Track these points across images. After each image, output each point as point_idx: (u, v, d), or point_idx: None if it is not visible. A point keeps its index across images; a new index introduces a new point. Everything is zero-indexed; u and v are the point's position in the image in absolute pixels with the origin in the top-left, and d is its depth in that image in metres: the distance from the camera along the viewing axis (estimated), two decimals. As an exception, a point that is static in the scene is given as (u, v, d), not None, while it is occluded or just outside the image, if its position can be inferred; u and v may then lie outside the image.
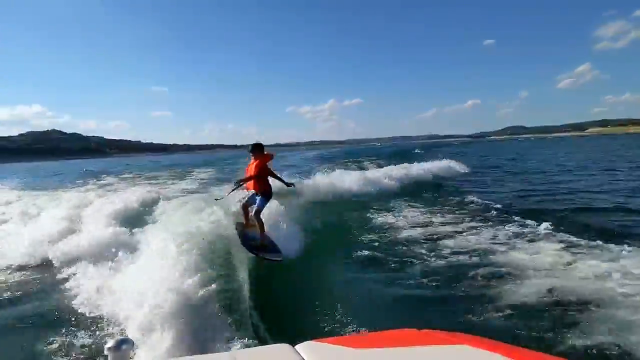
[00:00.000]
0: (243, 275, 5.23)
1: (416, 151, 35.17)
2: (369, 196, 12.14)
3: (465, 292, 5.07)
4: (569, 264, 5.78)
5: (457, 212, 10.25)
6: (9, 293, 6.01)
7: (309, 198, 9.63)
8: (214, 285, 4.48)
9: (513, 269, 5.65)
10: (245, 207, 6.33)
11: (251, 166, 6.13)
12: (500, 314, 4.36)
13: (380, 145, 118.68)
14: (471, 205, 11.03)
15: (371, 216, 10.09)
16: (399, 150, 40.07)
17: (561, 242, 6.95)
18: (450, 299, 4.93)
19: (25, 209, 11.70)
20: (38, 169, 51.58)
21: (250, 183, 6.15)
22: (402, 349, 1.28)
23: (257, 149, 6.12)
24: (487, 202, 11.17)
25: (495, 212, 9.74)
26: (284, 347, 1.29)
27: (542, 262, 5.85)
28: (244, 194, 6.54)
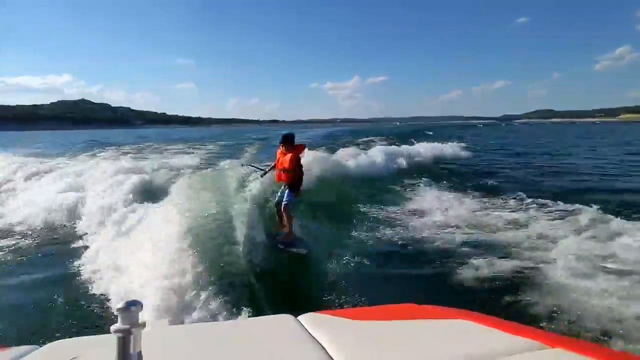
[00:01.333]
0: (244, 247, 5.26)
1: (428, 132, 34.53)
2: (369, 175, 12.26)
3: (462, 269, 5.16)
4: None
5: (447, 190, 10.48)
6: (20, 257, 6.21)
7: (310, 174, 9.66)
8: (214, 258, 4.55)
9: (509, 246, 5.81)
10: (280, 205, 6.01)
11: (284, 158, 5.82)
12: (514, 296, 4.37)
13: (399, 124, 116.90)
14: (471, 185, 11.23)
15: (371, 194, 10.15)
16: (410, 131, 39.32)
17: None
18: (448, 276, 5.01)
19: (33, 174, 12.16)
20: (67, 136, 53.30)
21: (281, 174, 5.89)
22: (403, 321, 1.29)
23: (289, 139, 5.87)
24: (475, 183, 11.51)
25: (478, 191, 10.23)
26: (287, 317, 1.31)
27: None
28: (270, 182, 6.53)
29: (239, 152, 19.47)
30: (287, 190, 5.84)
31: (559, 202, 8.37)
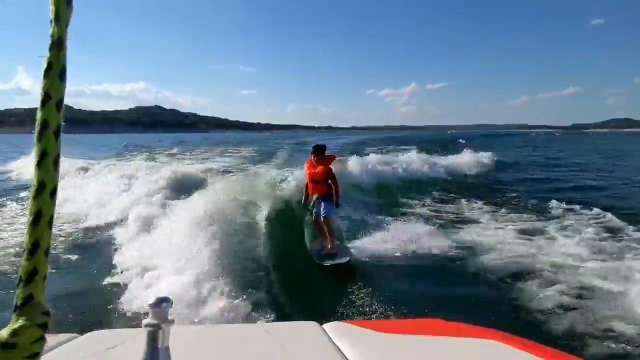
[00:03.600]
0: (269, 254, 5.26)
1: (460, 141, 32.24)
2: (403, 182, 12.04)
3: (504, 292, 4.76)
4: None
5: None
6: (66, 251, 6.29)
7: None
8: (235, 257, 4.58)
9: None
10: (317, 220, 5.85)
11: (316, 170, 5.73)
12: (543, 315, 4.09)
13: (451, 132, 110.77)
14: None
15: (405, 202, 9.82)
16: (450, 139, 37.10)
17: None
18: (481, 295, 4.71)
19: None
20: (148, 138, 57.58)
21: (314, 187, 5.79)
22: (429, 337, 1.28)
23: (320, 150, 5.79)
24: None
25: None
26: (313, 324, 1.32)
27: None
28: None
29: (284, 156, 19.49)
30: (323, 202, 5.71)
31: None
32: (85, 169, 13.54)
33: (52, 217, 0.35)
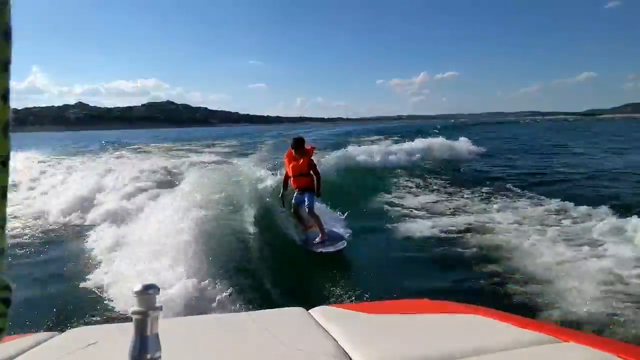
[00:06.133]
0: (252, 237, 5.29)
1: (435, 130, 28.98)
2: (375, 168, 12.57)
3: (483, 265, 4.97)
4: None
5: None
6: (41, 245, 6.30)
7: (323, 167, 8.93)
8: (225, 250, 4.58)
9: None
10: (296, 210, 5.98)
11: (298, 163, 5.77)
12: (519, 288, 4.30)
13: (452, 121, 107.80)
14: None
15: (382, 187, 10.17)
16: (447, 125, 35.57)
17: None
18: (465, 274, 4.85)
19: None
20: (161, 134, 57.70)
21: (298, 180, 5.82)
22: (415, 315, 1.31)
23: (300, 143, 5.84)
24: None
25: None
26: (299, 310, 1.32)
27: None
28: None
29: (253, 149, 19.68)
30: (306, 194, 5.77)
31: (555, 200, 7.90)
32: (70, 167, 14.12)
33: (5, 187, 0.32)
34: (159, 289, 0.63)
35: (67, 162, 16.53)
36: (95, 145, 26.24)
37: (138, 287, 0.62)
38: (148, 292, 0.62)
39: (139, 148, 23.38)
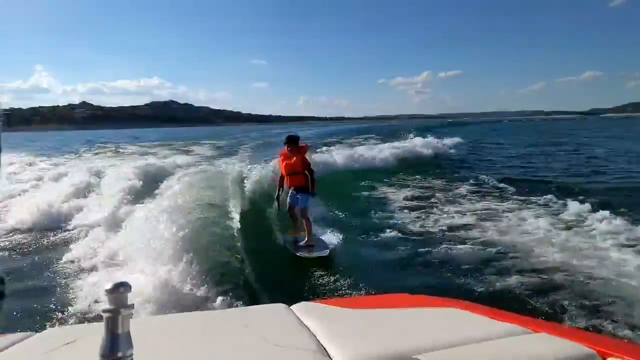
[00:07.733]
0: (237, 237, 5.28)
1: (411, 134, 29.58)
2: (358, 169, 12.70)
3: (460, 260, 5.14)
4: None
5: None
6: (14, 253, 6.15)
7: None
8: (206, 247, 4.56)
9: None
10: (292, 211, 5.84)
11: (291, 162, 5.62)
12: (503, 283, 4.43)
13: (450, 121, 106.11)
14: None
15: (363, 187, 10.43)
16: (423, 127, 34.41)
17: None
18: (444, 268, 4.98)
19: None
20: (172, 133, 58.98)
21: (292, 179, 5.68)
22: (394, 309, 1.33)
23: (294, 141, 5.72)
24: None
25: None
26: (280, 306, 1.32)
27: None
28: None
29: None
30: (299, 194, 5.63)
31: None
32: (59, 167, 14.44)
33: None
34: (130, 287, 0.62)
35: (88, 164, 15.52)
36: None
37: (109, 285, 0.62)
38: (119, 290, 0.61)
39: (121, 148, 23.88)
